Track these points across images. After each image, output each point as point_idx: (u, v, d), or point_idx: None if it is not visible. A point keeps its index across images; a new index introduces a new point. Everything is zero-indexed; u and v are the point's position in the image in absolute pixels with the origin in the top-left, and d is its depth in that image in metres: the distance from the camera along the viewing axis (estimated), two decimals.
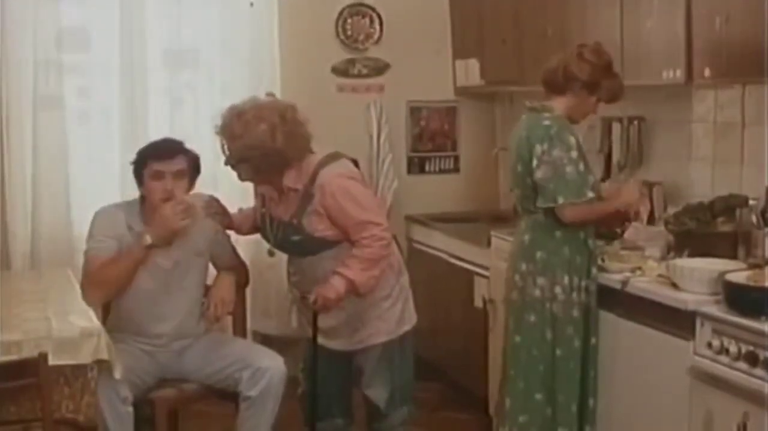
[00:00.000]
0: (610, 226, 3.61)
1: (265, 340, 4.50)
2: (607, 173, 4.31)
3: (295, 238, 3.46)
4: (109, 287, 3.44)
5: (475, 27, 5.12)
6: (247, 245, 4.24)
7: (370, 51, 5.25)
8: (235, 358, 3.56)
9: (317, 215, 3.42)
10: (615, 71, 3.47)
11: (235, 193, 4.67)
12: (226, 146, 3.43)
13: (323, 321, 3.54)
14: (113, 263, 3.45)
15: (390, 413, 3.70)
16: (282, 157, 3.37)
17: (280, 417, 3.57)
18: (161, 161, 3.46)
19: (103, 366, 3.18)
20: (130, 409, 3.34)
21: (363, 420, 3.83)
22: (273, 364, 3.54)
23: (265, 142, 3.33)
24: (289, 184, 3.44)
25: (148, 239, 3.43)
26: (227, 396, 3.59)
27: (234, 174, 4.29)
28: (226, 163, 3.44)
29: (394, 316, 3.63)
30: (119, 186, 4.64)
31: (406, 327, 3.66)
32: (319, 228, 3.43)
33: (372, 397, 3.67)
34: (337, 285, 3.41)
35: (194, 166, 3.57)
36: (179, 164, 3.49)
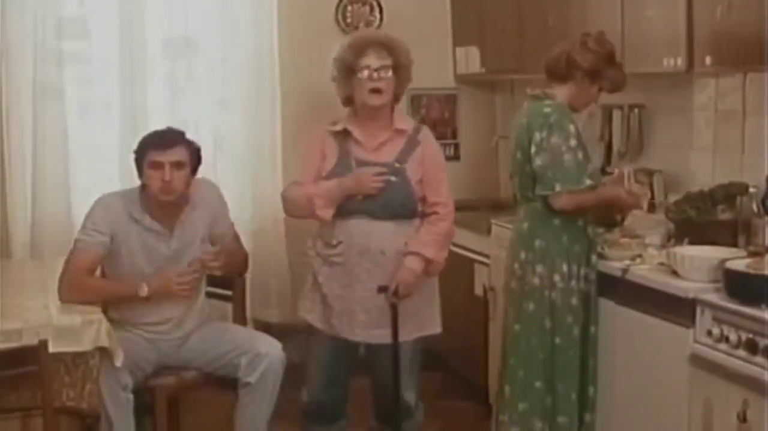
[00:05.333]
0: (606, 215, 3.61)
1: (265, 328, 4.50)
2: (607, 161, 4.30)
3: (394, 179, 3.46)
4: (86, 299, 3.34)
5: (476, 14, 5.11)
6: (248, 234, 4.24)
7: None
8: (233, 345, 3.57)
9: (418, 164, 3.51)
10: (617, 61, 3.46)
11: (235, 180, 4.69)
12: (383, 53, 3.49)
13: (362, 312, 3.50)
14: (100, 287, 3.45)
15: (416, 411, 3.70)
16: (408, 79, 3.58)
17: (278, 404, 3.58)
18: (160, 150, 3.45)
19: (104, 353, 3.19)
20: (131, 396, 3.35)
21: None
22: (271, 350, 3.54)
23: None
24: (399, 125, 3.55)
25: (145, 290, 3.43)
26: (227, 384, 3.60)
27: (231, 162, 4.29)
28: (375, 71, 3.46)
29: (433, 313, 3.64)
30: (119, 175, 4.63)
31: (437, 329, 3.68)
32: (416, 178, 3.49)
33: (407, 398, 3.64)
34: (415, 267, 3.44)
35: (195, 156, 3.55)
36: (179, 154, 3.47)
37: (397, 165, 3.48)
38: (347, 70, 3.53)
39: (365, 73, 3.47)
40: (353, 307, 3.51)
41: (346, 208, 3.48)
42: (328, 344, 3.61)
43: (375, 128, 3.53)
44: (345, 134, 3.55)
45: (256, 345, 3.56)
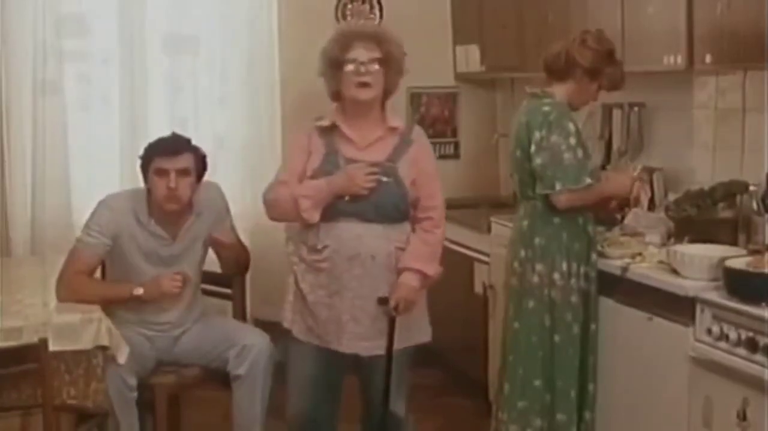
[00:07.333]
0: (607, 211, 3.61)
1: (266, 327, 4.49)
2: (607, 160, 4.31)
3: (386, 179, 3.22)
4: (80, 299, 3.33)
5: (476, 12, 5.11)
6: (247, 232, 4.24)
7: None
8: (222, 338, 3.59)
9: (411, 164, 3.27)
10: (617, 59, 3.46)
11: (235, 178, 4.69)
12: (371, 45, 3.27)
13: (351, 321, 3.25)
14: (96, 288, 3.45)
15: (406, 424, 3.50)
16: (399, 72, 3.35)
17: (274, 396, 3.57)
18: (166, 157, 3.44)
19: (109, 353, 3.19)
20: (135, 394, 3.37)
21: None
22: (258, 340, 3.56)
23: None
24: (392, 123, 3.32)
25: (140, 291, 3.44)
26: (225, 381, 3.60)
27: (231, 159, 4.21)
28: (361, 64, 3.22)
29: (424, 322, 3.45)
30: (119, 172, 4.64)
31: (427, 338, 3.47)
32: (408, 179, 3.27)
33: (397, 410, 3.40)
34: (415, 284, 3.25)
35: (201, 163, 3.55)
36: (184, 161, 3.46)
37: (389, 165, 3.25)
38: (334, 64, 3.28)
39: (351, 66, 3.21)
40: (342, 316, 3.24)
41: (333, 210, 3.22)
42: (314, 356, 3.33)
43: (365, 125, 3.28)
44: (333, 130, 3.29)
45: (242, 337, 3.58)
